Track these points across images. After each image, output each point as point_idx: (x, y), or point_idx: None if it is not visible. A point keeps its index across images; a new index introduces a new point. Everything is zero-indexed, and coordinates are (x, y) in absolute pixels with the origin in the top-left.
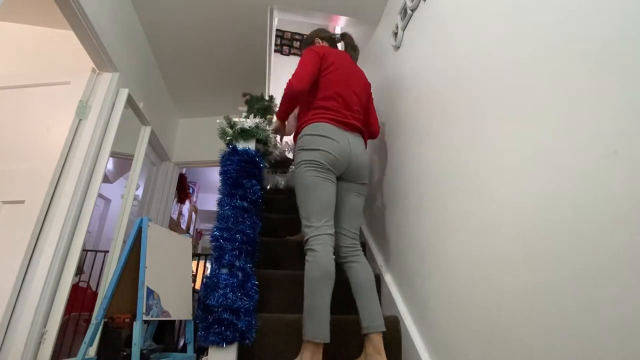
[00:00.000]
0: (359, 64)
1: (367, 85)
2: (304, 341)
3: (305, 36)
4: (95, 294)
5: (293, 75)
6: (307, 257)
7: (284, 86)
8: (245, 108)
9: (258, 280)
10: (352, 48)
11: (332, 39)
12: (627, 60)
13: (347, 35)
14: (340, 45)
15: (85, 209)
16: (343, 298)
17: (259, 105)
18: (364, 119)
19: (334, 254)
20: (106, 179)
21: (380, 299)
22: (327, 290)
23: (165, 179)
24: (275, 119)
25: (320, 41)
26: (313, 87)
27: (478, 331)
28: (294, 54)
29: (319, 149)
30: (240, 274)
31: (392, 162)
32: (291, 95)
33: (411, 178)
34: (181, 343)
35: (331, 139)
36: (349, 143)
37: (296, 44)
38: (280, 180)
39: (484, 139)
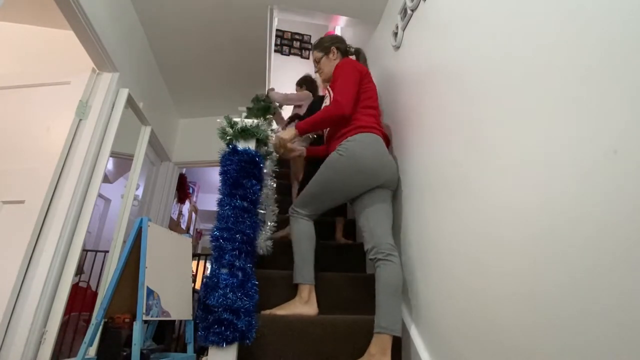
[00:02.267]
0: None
1: None
2: (299, 284)
3: (321, 39)
4: (95, 294)
5: (340, 96)
6: (292, 221)
7: (284, 86)
8: (244, 108)
9: (258, 280)
10: (366, 67)
11: (346, 51)
12: (628, 59)
13: (362, 54)
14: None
15: (85, 209)
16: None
17: (257, 105)
18: None
19: (371, 248)
20: (106, 179)
21: None
22: (312, 245)
23: (165, 179)
24: (293, 129)
25: (335, 51)
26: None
27: (478, 333)
28: (294, 54)
29: (367, 164)
30: (240, 274)
31: None
32: (337, 119)
33: (411, 179)
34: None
35: (381, 157)
36: (389, 159)
37: (296, 44)
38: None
39: (483, 139)
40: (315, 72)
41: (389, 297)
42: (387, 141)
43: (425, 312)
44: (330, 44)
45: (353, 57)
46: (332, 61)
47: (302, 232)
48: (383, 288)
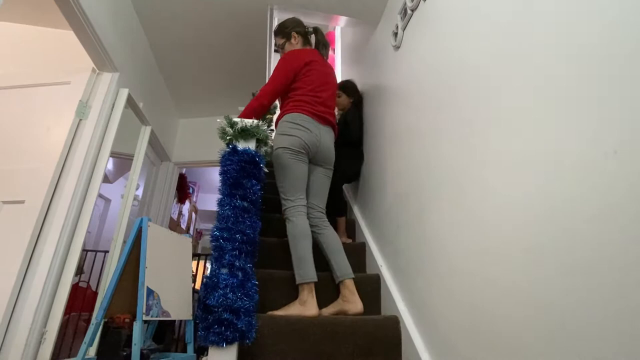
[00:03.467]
0: (357, 62)
1: (336, 84)
2: (300, 284)
3: (281, 24)
4: (95, 294)
5: (262, 89)
6: (287, 222)
7: None
8: (243, 108)
9: (258, 280)
10: (323, 45)
11: (306, 35)
12: (628, 59)
13: (320, 32)
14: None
15: (85, 209)
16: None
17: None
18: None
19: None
20: (106, 179)
21: (380, 299)
22: (308, 243)
23: (165, 179)
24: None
25: (296, 36)
26: (294, 83)
27: (478, 331)
28: None
29: (294, 136)
30: (240, 274)
31: (392, 162)
32: (258, 109)
33: (411, 178)
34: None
35: (305, 128)
36: (319, 133)
37: None
38: None
39: (484, 138)
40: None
41: (333, 255)
42: (328, 122)
43: (426, 312)
44: (291, 29)
45: (312, 38)
46: (294, 45)
47: (297, 231)
48: (326, 250)
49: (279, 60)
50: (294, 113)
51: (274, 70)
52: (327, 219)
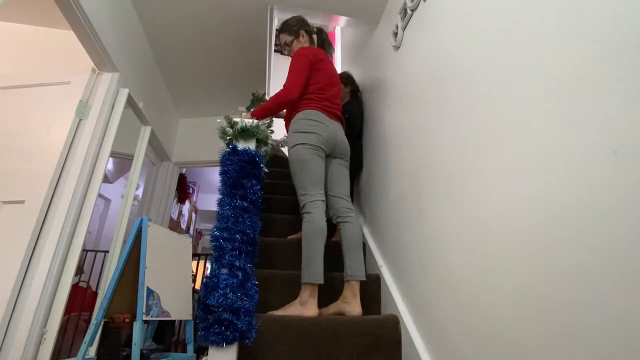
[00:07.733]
0: (357, 62)
1: (340, 82)
2: (303, 283)
3: (286, 22)
4: (95, 294)
5: (288, 82)
6: (304, 219)
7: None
8: (244, 107)
9: (258, 280)
10: (329, 45)
11: (311, 32)
12: (628, 59)
13: (324, 32)
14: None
15: (85, 209)
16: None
17: (258, 105)
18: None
19: (333, 214)
20: (106, 179)
21: (380, 299)
22: (321, 242)
23: (165, 179)
24: (249, 115)
25: (304, 34)
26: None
27: (478, 331)
28: None
29: (312, 132)
30: (240, 274)
31: (392, 162)
32: (286, 102)
33: (411, 178)
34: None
35: (322, 123)
36: (335, 128)
37: None
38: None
39: (484, 138)
40: (286, 54)
41: (348, 251)
42: (337, 117)
43: (426, 312)
44: (298, 27)
45: (314, 37)
46: (302, 44)
47: (312, 229)
48: (343, 244)
49: (295, 56)
50: (307, 110)
51: (293, 66)
52: (353, 210)
